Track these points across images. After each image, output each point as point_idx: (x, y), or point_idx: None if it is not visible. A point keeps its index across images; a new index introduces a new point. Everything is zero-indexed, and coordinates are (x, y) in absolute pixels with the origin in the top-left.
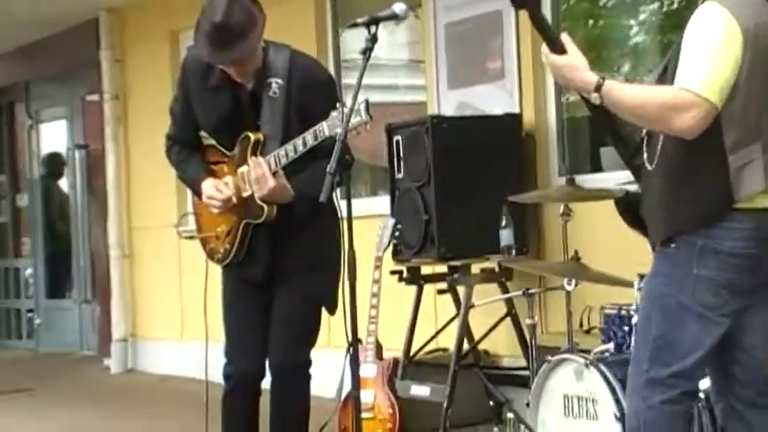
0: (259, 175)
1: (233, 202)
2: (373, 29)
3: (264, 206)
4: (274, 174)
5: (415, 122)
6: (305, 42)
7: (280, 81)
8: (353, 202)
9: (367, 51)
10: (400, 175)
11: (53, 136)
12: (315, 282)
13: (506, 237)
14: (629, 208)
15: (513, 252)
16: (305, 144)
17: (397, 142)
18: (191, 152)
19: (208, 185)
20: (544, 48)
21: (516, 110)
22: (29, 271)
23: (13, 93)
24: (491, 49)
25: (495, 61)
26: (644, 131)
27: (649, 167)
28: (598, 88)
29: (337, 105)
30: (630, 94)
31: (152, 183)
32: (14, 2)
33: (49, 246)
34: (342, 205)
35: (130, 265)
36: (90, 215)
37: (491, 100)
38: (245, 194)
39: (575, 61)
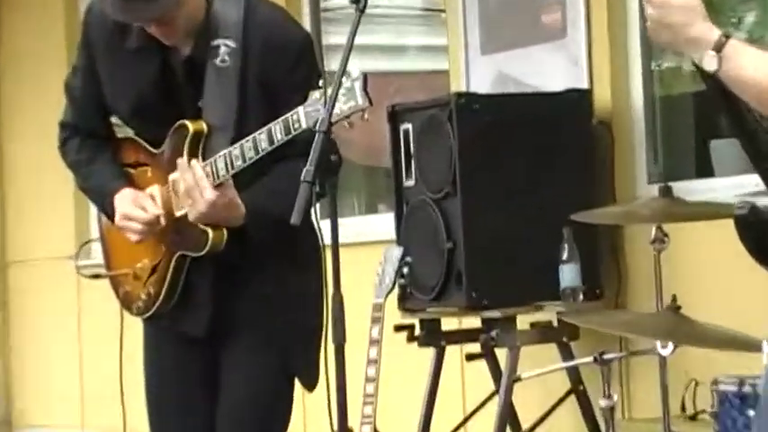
0: (190, 185)
1: (160, 225)
2: None
3: (208, 231)
4: (219, 185)
5: (433, 103)
6: None
7: (231, 44)
8: (341, 222)
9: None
10: (410, 183)
11: None
12: (284, 342)
13: (569, 275)
14: (757, 231)
15: (580, 298)
16: (271, 140)
17: (406, 133)
18: (97, 148)
19: (123, 200)
20: None
21: (584, 84)
22: None
23: None
24: None
25: (552, 12)
26: None
27: None
28: (719, 47)
29: (319, 82)
30: (761, 69)
31: (37, 197)
32: None
33: None
34: (324, 228)
35: (3, 318)
36: None
37: (546, 69)
38: (178, 213)
39: (692, 5)
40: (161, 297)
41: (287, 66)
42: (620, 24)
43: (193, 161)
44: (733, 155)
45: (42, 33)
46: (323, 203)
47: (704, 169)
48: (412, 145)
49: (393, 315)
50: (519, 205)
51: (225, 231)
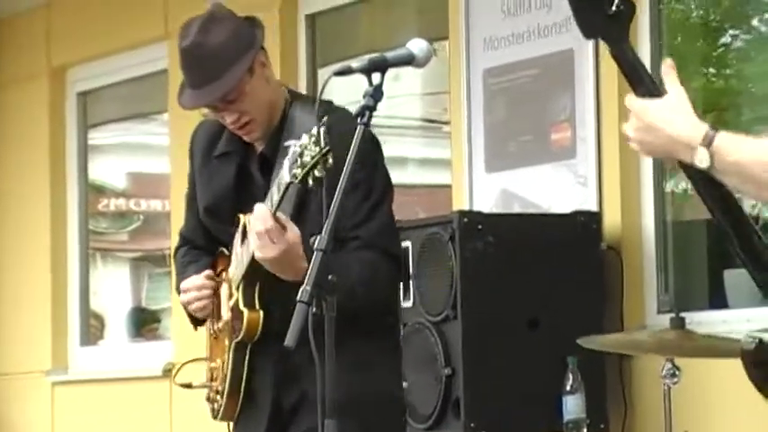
0: (266, 227)
1: (212, 289)
2: (376, 77)
3: (244, 311)
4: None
5: (434, 221)
6: None
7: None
8: None
9: (365, 112)
10: (408, 304)
11: None
12: None
13: (573, 406)
14: (764, 367)
15: (585, 431)
16: (272, 202)
17: (405, 252)
18: (198, 256)
19: (188, 280)
20: (632, 97)
21: (593, 206)
22: None
23: None
24: (555, 110)
25: (562, 130)
26: None
27: None
28: (708, 141)
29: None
30: (759, 149)
31: (14, 307)
32: None
33: None
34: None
35: None
36: None
37: (553, 190)
38: (230, 302)
39: (674, 103)
40: (224, 395)
41: (349, 166)
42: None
43: (259, 205)
44: (748, 286)
45: (30, 117)
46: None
47: (717, 300)
48: (411, 264)
49: None
50: (522, 331)
51: (261, 314)
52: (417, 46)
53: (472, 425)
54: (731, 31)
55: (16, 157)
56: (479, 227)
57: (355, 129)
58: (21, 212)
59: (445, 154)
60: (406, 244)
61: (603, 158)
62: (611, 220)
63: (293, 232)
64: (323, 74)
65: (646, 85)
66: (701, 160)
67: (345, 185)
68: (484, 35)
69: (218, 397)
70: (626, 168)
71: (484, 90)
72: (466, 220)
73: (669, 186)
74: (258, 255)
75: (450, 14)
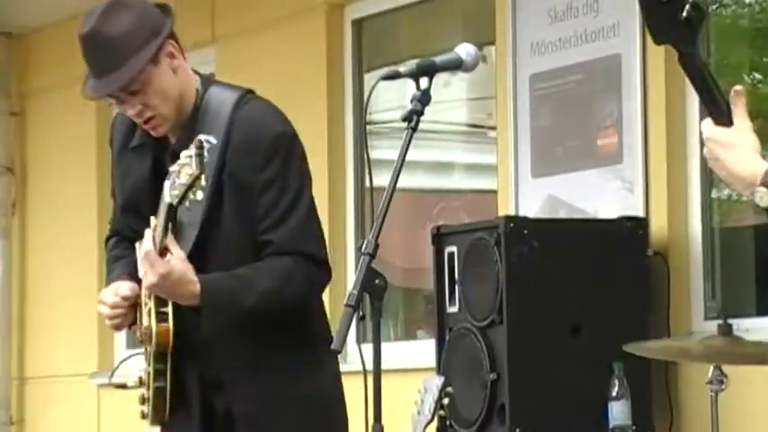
0: (143, 254)
1: (125, 308)
2: (424, 82)
3: (152, 326)
4: (162, 254)
5: (480, 226)
6: (311, 91)
7: (212, 140)
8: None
9: (413, 117)
10: (454, 309)
11: None
12: None
13: (619, 413)
14: None
15: None
16: (159, 224)
17: (451, 256)
18: (125, 249)
19: (107, 291)
20: (707, 122)
21: (640, 212)
22: None
23: None
24: (602, 116)
25: (608, 135)
26: None
27: None
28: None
29: (302, 181)
30: None
31: (60, 308)
32: None
33: None
34: (363, 352)
35: None
36: None
37: (599, 195)
38: (146, 309)
39: (737, 138)
40: (150, 402)
41: (256, 163)
42: (678, 150)
43: (147, 231)
44: None
45: (69, 124)
46: (363, 327)
47: (765, 306)
48: (456, 269)
49: None
50: (568, 337)
51: (170, 328)
52: (466, 50)
53: (517, 430)
54: None
55: (57, 160)
56: (525, 232)
57: (265, 121)
58: (60, 215)
59: (491, 159)
60: (452, 249)
61: (650, 164)
62: (658, 226)
63: (176, 257)
64: (369, 78)
65: (719, 109)
66: (761, 199)
67: (253, 185)
68: (531, 40)
69: (145, 404)
70: (673, 174)
71: (530, 95)
72: (512, 225)
73: (716, 192)
74: (144, 280)
75: (496, 19)
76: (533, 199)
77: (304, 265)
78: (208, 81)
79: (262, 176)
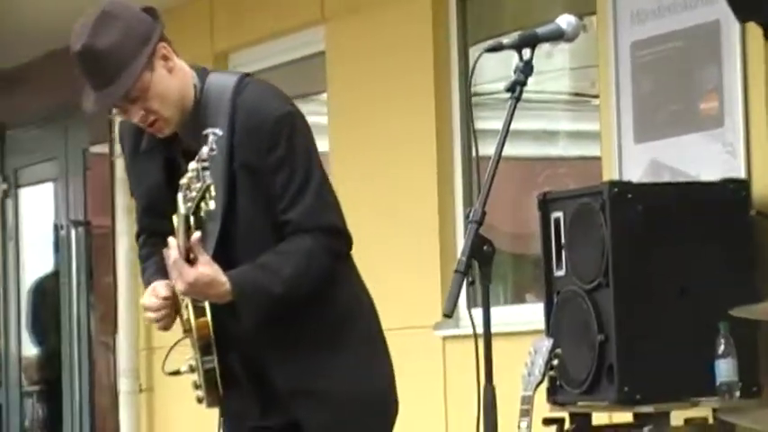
0: (172, 262)
1: (169, 310)
2: (527, 53)
3: (191, 319)
4: (189, 259)
5: (585, 192)
6: (418, 65)
7: (218, 131)
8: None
9: (516, 87)
10: (561, 273)
11: (38, 206)
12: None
13: (726, 370)
14: None
15: (737, 394)
16: (180, 233)
17: (557, 221)
18: (153, 246)
19: (146, 293)
20: None
21: (741, 174)
22: None
23: None
24: (703, 81)
25: (710, 100)
26: None
27: None
28: None
29: (310, 157)
30: None
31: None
32: None
33: (31, 373)
34: (473, 316)
35: (148, 402)
36: (90, 327)
37: (702, 158)
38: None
39: None
40: (203, 389)
41: (262, 147)
42: None
43: (170, 239)
44: None
45: None
46: (473, 292)
47: None
48: (563, 234)
49: (542, 408)
50: (673, 298)
51: (208, 321)
52: (566, 21)
53: (626, 389)
54: None
55: None
56: (629, 196)
57: (267, 103)
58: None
59: (594, 126)
60: (558, 215)
61: (751, 127)
62: (760, 187)
63: (203, 263)
64: (473, 51)
65: None
66: None
67: (264, 169)
68: (631, 9)
69: (199, 390)
70: None
71: (631, 62)
72: (616, 189)
73: None
74: (175, 288)
75: None
76: (637, 164)
77: (324, 239)
78: (204, 72)
79: (270, 159)
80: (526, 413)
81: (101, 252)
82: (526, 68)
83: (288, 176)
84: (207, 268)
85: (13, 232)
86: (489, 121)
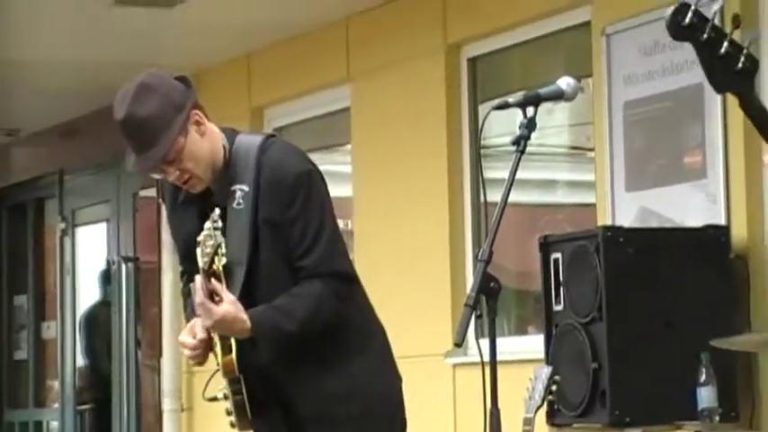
0: (199, 302)
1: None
2: (530, 111)
3: (218, 357)
4: (214, 300)
5: (581, 235)
6: (432, 122)
7: (245, 188)
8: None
9: (521, 141)
10: (560, 307)
11: (93, 244)
12: None
13: (707, 397)
14: None
15: (717, 419)
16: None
17: (556, 262)
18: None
19: (184, 330)
20: None
21: (722, 221)
22: (55, 425)
23: (42, 186)
24: (688, 137)
25: (694, 155)
26: None
27: None
28: None
29: (324, 211)
30: None
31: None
32: (48, 70)
33: (84, 392)
34: (481, 346)
35: (189, 421)
36: (138, 352)
37: (686, 206)
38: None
39: None
40: (234, 416)
41: (282, 202)
42: (755, 167)
43: (195, 283)
44: None
45: None
46: (480, 324)
47: None
48: (561, 273)
49: (542, 429)
50: (660, 331)
51: (233, 358)
52: (566, 82)
53: (617, 412)
54: None
55: None
56: (621, 240)
57: (286, 162)
58: None
59: (590, 177)
60: (557, 255)
61: (731, 179)
62: (739, 233)
63: (227, 302)
64: (482, 109)
65: None
66: None
67: (283, 222)
68: (623, 72)
69: (230, 415)
70: (751, 187)
71: (624, 120)
72: (609, 233)
73: None
74: (202, 323)
75: (593, 55)
76: (628, 211)
77: (333, 284)
78: (233, 133)
79: (289, 214)
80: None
81: (148, 285)
82: (530, 125)
83: (303, 227)
84: (231, 306)
85: (70, 267)
86: (496, 171)
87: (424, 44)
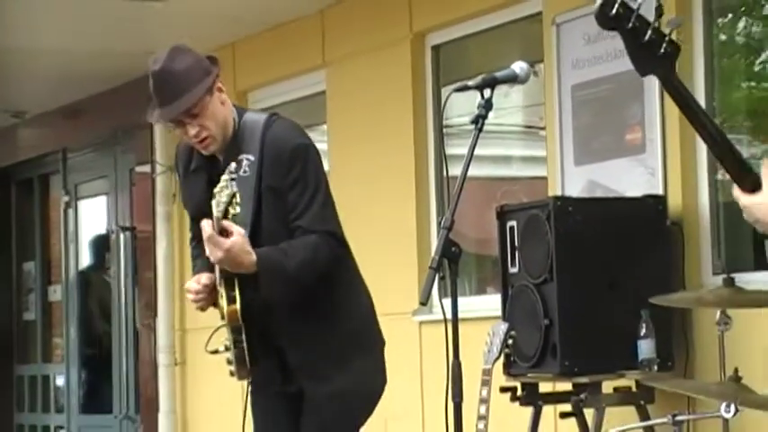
0: (207, 236)
1: (208, 294)
2: (487, 92)
3: (224, 306)
4: (223, 232)
5: (534, 205)
6: (399, 104)
7: (251, 157)
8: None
9: (479, 120)
10: (515, 270)
11: (94, 215)
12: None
13: (646, 349)
14: None
15: (655, 368)
16: (214, 215)
17: (512, 229)
18: (203, 249)
19: (191, 281)
20: (737, 193)
21: (660, 191)
22: (60, 380)
23: (47, 163)
24: (629, 116)
25: (634, 132)
26: None
27: None
28: None
29: (320, 181)
30: None
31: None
32: (51, 57)
33: (86, 349)
34: (444, 305)
35: (182, 374)
36: (135, 313)
37: (628, 178)
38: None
39: (766, 198)
40: (234, 364)
41: (282, 171)
42: (689, 143)
43: (203, 223)
44: None
45: None
46: (444, 285)
47: (761, 263)
48: (516, 239)
49: (499, 379)
50: (605, 290)
51: (237, 308)
52: (520, 67)
53: (566, 363)
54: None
55: None
56: (570, 209)
57: (287, 136)
58: None
59: (542, 152)
60: (512, 223)
61: (668, 153)
62: (674, 202)
63: (236, 234)
64: (445, 91)
65: (694, 115)
66: None
67: (282, 188)
68: (571, 58)
69: (231, 365)
70: (686, 161)
71: (572, 101)
72: (559, 203)
73: (720, 176)
74: (210, 257)
75: (544, 42)
76: (576, 183)
77: (327, 239)
78: (241, 110)
79: (287, 180)
80: (486, 383)
81: (143, 252)
82: (487, 105)
83: (300, 192)
84: (239, 238)
85: (73, 236)
86: (457, 148)
87: (392, 33)
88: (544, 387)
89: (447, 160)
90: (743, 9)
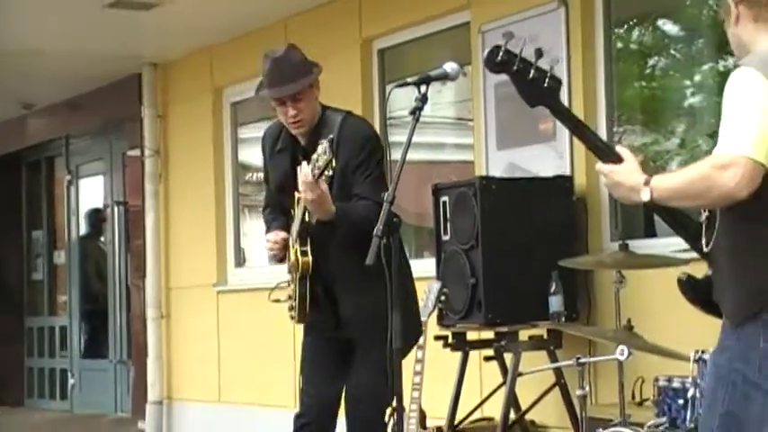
0: (304, 181)
1: (282, 247)
2: (423, 88)
3: (298, 258)
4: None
5: (463, 183)
6: (351, 98)
7: (331, 137)
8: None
9: (416, 111)
10: (447, 237)
11: (92, 192)
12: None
13: (556, 303)
14: (693, 291)
15: (563, 319)
16: (312, 173)
17: (444, 203)
18: (277, 214)
19: (270, 234)
20: (600, 165)
21: (567, 172)
22: (64, 330)
23: (53, 148)
24: (542, 109)
25: (546, 122)
26: (704, 215)
27: (706, 249)
28: (647, 182)
29: (380, 163)
30: (674, 179)
31: (191, 242)
32: (56, 58)
33: (86, 304)
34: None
35: (167, 325)
36: (128, 274)
37: (541, 161)
38: (292, 250)
39: (626, 168)
40: (296, 310)
41: (353, 153)
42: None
43: (302, 168)
44: None
45: (197, 123)
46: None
47: (650, 231)
48: (448, 212)
49: (434, 329)
50: (521, 254)
51: (310, 260)
52: (450, 67)
53: (489, 315)
54: (656, 57)
55: (188, 146)
56: (493, 187)
57: (361, 129)
58: (191, 183)
59: (470, 140)
60: (445, 199)
61: (574, 140)
62: (580, 181)
63: (322, 186)
64: (389, 87)
65: (583, 133)
66: (645, 195)
67: (351, 166)
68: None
69: (293, 311)
70: None
71: (495, 97)
72: (484, 182)
73: None
74: (304, 197)
75: (472, 47)
76: (498, 165)
77: (375, 205)
78: (324, 107)
79: (354, 161)
80: (422, 332)
81: (134, 223)
82: (423, 99)
83: (363, 171)
84: (326, 186)
85: (75, 209)
86: (399, 136)
87: (344, 39)
88: (471, 335)
89: (390, 147)
90: (637, 20)
